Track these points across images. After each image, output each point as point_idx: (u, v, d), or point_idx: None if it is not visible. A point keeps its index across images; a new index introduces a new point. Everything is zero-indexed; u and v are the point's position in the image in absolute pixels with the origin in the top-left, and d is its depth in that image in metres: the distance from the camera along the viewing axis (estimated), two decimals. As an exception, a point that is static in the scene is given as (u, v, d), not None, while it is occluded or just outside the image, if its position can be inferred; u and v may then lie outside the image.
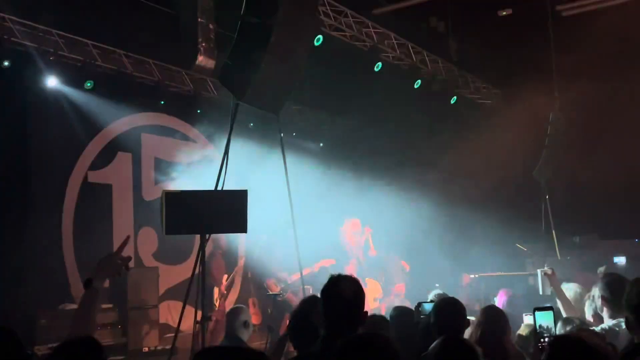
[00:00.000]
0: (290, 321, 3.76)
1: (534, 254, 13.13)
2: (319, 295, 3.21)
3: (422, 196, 13.47)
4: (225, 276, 10.11)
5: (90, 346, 2.76)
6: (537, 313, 3.51)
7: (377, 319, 4.42)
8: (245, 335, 5.49)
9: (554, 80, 12.84)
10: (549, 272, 5.24)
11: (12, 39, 9.41)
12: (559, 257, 13.43)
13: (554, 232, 13.49)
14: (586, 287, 4.97)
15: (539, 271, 5.65)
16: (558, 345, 2.41)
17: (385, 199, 13.18)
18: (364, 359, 2.20)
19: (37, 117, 10.20)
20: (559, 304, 4.95)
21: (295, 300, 9.07)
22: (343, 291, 3.01)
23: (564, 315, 4.65)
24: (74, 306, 9.72)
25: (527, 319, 4.96)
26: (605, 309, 4.10)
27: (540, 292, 5.82)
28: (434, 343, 2.86)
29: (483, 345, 3.82)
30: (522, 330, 4.75)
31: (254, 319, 8.92)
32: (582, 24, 11.10)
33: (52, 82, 10.09)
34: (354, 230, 11.52)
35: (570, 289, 5.10)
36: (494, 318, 4.17)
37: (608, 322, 4.03)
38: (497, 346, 3.89)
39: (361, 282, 3.22)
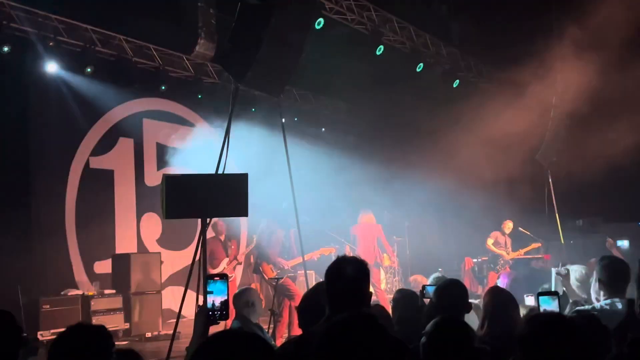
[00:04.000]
0: (300, 303, 3.73)
1: (537, 237, 13.11)
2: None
3: (423, 180, 13.43)
4: (227, 259, 10.09)
5: (98, 333, 2.76)
6: (541, 298, 3.47)
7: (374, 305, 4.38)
8: (253, 316, 5.49)
9: (557, 63, 12.75)
10: (563, 272, 5.19)
11: (12, 24, 9.35)
12: (562, 241, 13.42)
13: (557, 215, 13.46)
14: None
15: (553, 270, 5.59)
16: (535, 322, 2.43)
17: (387, 183, 13.17)
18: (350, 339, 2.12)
19: (37, 103, 10.16)
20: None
21: (293, 285, 9.06)
22: (345, 270, 2.99)
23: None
24: (77, 292, 9.79)
25: (528, 300, 4.94)
26: (602, 292, 4.07)
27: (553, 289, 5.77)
28: (430, 323, 2.83)
29: (493, 324, 3.80)
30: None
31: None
32: (586, 4, 11.00)
33: (52, 67, 10.03)
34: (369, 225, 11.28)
35: (576, 271, 5.08)
36: (502, 297, 4.12)
37: (602, 302, 4.01)
38: (507, 325, 3.83)
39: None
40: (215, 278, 3.08)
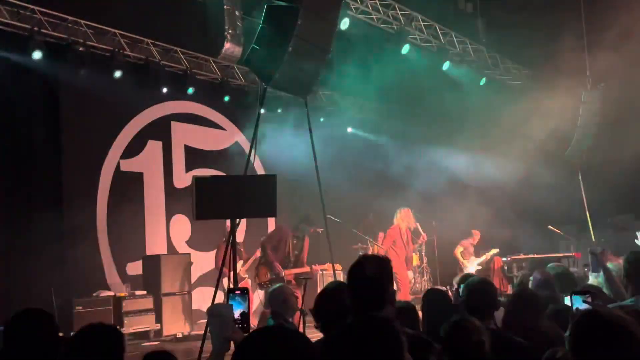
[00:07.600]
0: (315, 302, 3.71)
1: (568, 235, 12.98)
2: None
3: (451, 179, 13.37)
4: (241, 262, 10.18)
5: (110, 333, 2.83)
6: (574, 297, 3.45)
7: (402, 304, 4.38)
8: (287, 313, 5.53)
9: (585, 59, 12.62)
10: (597, 250, 5.17)
11: (42, 30, 9.52)
12: (593, 239, 13.27)
13: (587, 213, 13.31)
14: None
15: (589, 250, 5.55)
16: (583, 322, 2.34)
17: (413, 183, 13.12)
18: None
19: (68, 107, 10.31)
20: (605, 284, 4.89)
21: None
22: (365, 269, 2.97)
23: (608, 292, 4.60)
24: (109, 293, 9.92)
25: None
26: (629, 287, 4.03)
27: (591, 272, 5.75)
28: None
29: (515, 328, 3.77)
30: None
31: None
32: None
33: (82, 72, 10.16)
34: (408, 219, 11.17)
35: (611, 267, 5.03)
36: (524, 302, 4.09)
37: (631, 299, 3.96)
38: (529, 329, 3.80)
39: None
40: (236, 292, 3.15)
